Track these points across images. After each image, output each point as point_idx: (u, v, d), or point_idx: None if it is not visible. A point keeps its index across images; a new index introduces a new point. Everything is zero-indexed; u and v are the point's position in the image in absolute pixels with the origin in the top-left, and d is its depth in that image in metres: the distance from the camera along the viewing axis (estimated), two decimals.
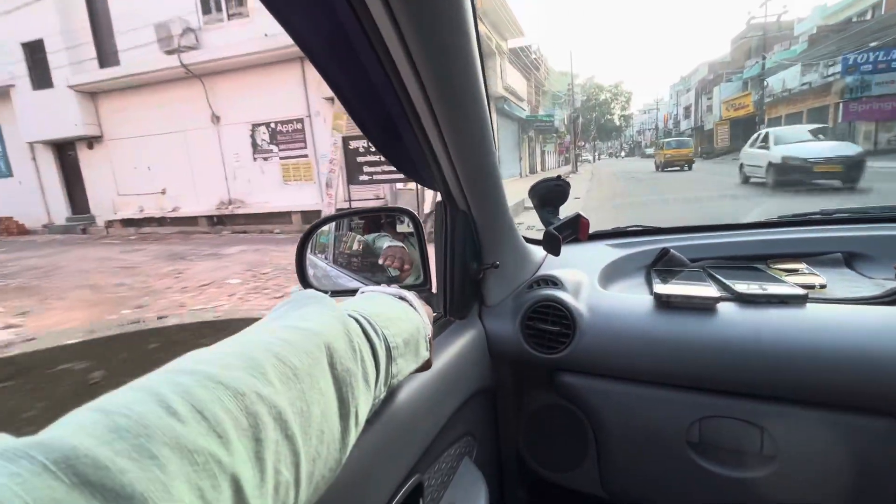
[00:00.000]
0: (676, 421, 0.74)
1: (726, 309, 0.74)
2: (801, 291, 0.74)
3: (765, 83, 25.20)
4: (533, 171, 25.17)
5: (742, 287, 0.77)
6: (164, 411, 0.22)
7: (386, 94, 0.54)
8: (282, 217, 9.62)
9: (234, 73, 9.39)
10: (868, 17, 19.81)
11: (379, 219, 0.91)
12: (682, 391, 0.74)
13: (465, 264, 0.78)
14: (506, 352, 0.84)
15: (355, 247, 0.89)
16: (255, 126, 9.64)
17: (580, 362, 0.80)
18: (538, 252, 0.98)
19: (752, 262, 0.98)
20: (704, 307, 0.74)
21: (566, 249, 0.86)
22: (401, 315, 0.46)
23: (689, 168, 19.94)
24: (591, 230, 1.03)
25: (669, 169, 20.18)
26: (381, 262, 0.82)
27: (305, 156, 9.30)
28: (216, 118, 9.81)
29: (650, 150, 54.94)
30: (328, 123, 8.11)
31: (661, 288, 0.79)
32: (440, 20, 0.45)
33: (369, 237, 0.88)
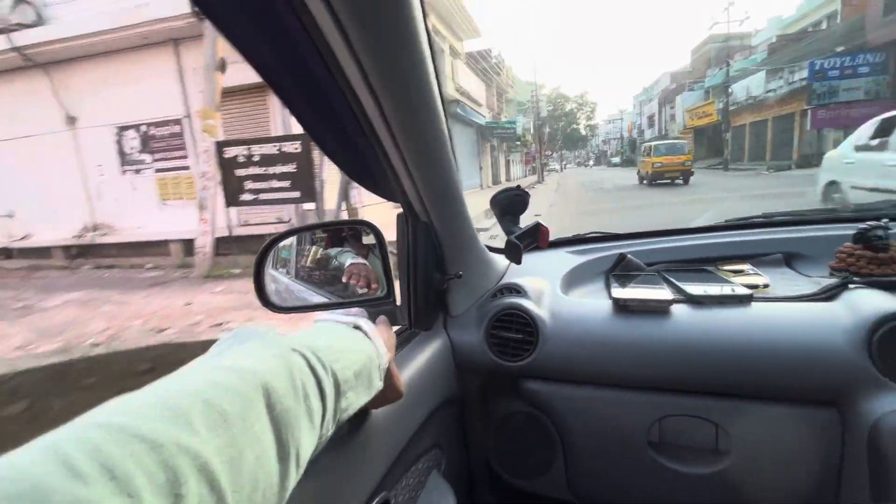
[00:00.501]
0: (637, 422, 0.75)
1: (680, 311, 0.76)
2: (746, 291, 0.77)
3: (729, 91, 24.70)
4: (496, 181, 23.62)
5: (693, 289, 0.80)
6: (66, 472, 0.20)
7: (338, 104, 0.52)
8: (159, 247, 7.44)
9: (92, 61, 7.20)
10: (823, 26, 19.45)
11: (341, 231, 0.84)
12: (641, 392, 0.75)
13: (428, 276, 0.77)
14: (471, 361, 0.83)
15: (318, 261, 0.82)
16: (121, 129, 7.43)
17: (544, 369, 0.79)
18: (501, 261, 0.97)
19: (703, 264, 1.01)
20: (659, 310, 0.76)
21: (528, 257, 0.88)
22: (352, 346, 0.45)
23: (686, 181, 15.16)
24: (554, 237, 1.09)
25: (659, 182, 15.56)
26: (344, 279, 0.78)
27: (187, 167, 7.17)
28: (71, 119, 7.56)
29: (616, 160, 55.72)
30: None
31: (619, 292, 0.81)
32: (387, 27, 0.44)
33: (332, 251, 0.82)
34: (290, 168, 5.76)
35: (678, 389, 0.74)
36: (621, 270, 1.00)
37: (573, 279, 1.00)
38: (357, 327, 0.49)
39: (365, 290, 0.75)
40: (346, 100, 0.51)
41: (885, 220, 0.84)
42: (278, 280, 0.77)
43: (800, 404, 0.68)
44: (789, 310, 0.73)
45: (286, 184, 5.81)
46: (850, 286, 0.75)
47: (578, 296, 0.94)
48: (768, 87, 20.64)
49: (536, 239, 0.84)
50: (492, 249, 0.97)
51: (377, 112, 0.51)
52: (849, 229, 0.88)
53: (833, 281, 0.78)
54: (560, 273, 0.98)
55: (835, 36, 17.41)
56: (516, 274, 0.94)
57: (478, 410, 0.91)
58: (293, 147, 5.65)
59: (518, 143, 27.69)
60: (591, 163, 72.15)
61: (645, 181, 16.70)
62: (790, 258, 1.02)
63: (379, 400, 0.51)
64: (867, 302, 0.68)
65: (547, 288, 0.90)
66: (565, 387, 0.80)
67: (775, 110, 20.48)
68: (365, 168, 0.65)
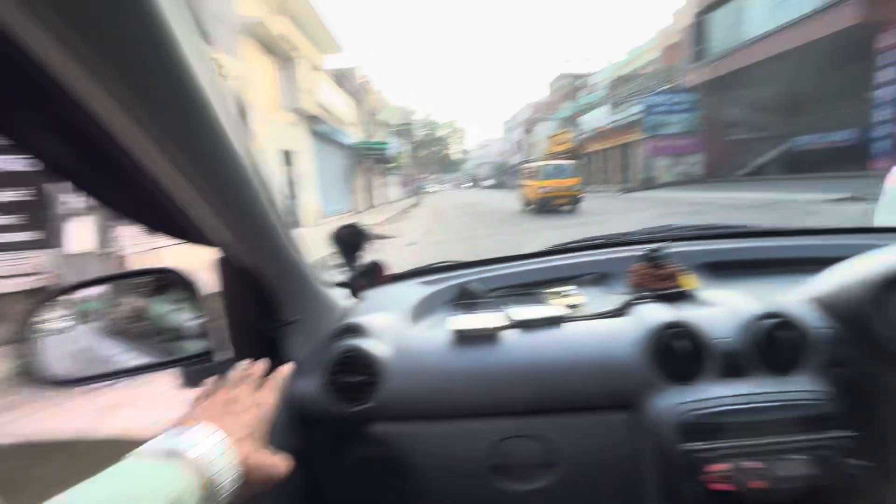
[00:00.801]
0: (479, 449, 0.77)
1: (508, 336, 0.80)
2: (560, 313, 0.83)
3: (577, 122, 27.46)
4: (372, 205, 22.35)
5: (520, 314, 0.84)
6: None
7: (101, 142, 0.42)
8: None
9: None
10: (649, 69, 22.73)
11: (147, 280, 0.77)
12: (482, 420, 0.77)
13: (256, 325, 0.74)
14: (314, 411, 0.78)
15: (130, 314, 0.75)
16: None
17: (391, 409, 0.77)
18: (347, 298, 0.95)
19: (537, 287, 1.06)
20: (491, 336, 0.79)
21: (378, 291, 0.95)
22: (152, 489, 0.37)
23: (573, 209, 12.81)
24: (415, 267, 1.19)
25: (548, 209, 12.80)
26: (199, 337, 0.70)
27: None
28: None
29: (487, 183, 59.10)
30: None
31: (457, 322, 0.82)
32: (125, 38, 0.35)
33: (145, 302, 0.75)
34: (18, 195, 3.73)
35: (512, 412, 0.76)
36: (464, 299, 1.01)
37: (421, 311, 0.98)
38: (175, 452, 0.41)
39: (206, 346, 0.69)
40: (110, 138, 0.41)
41: (664, 242, 0.98)
42: (76, 342, 0.68)
43: (603, 411, 0.74)
44: (594, 326, 0.80)
45: (14, 219, 3.75)
46: (640, 301, 0.84)
47: (425, 328, 0.92)
48: (611, 120, 23.25)
49: (376, 275, 0.88)
50: (340, 285, 0.95)
51: (147, 140, 0.42)
52: (643, 251, 0.96)
53: (627, 298, 0.86)
54: (408, 305, 0.96)
55: (660, 77, 20.27)
56: (364, 310, 0.90)
57: (325, 463, 0.83)
58: (21, 163, 3.66)
59: (392, 164, 26.89)
60: (467, 185, 75.75)
61: (532, 207, 13.84)
62: (604, 277, 1.09)
63: (249, 493, 0.45)
64: (650, 314, 0.77)
65: (392, 323, 0.87)
66: (412, 425, 0.78)
67: (619, 139, 23.11)
68: (170, 218, 0.55)
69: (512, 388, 0.74)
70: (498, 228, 10.67)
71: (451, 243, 8.63)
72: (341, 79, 18.82)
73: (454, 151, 54.80)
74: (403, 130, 37.48)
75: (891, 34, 11.13)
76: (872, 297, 0.67)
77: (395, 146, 27.23)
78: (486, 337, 0.78)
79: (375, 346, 0.77)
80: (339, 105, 16.08)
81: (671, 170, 19.28)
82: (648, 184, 19.02)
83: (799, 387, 0.68)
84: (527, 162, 22.28)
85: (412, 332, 0.87)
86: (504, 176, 52.13)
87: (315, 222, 11.78)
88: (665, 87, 19.42)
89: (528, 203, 14.49)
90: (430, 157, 49.94)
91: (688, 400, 0.67)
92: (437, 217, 15.68)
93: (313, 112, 12.60)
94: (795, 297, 0.78)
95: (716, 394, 0.68)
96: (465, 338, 0.79)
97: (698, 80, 17.71)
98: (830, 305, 0.74)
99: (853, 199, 7.92)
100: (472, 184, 75.15)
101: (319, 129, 13.26)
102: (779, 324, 0.70)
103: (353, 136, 18.89)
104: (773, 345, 0.69)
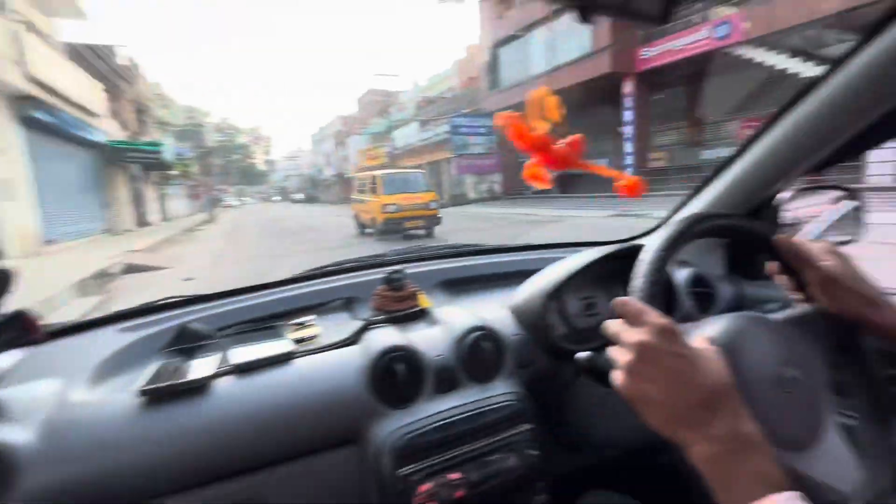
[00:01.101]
0: None
1: (223, 385, 0.69)
2: (288, 349, 0.75)
3: (391, 137, 27.69)
4: (142, 221, 17.55)
5: (239, 356, 0.74)
6: None
7: None
8: None
9: None
10: (448, 94, 24.42)
11: None
12: (180, 495, 0.63)
13: None
14: None
15: None
16: None
17: None
18: None
19: (278, 319, 0.95)
20: (198, 389, 0.67)
21: (55, 347, 0.80)
22: None
23: (428, 232, 9.72)
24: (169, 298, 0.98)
25: (397, 233, 9.32)
26: None
27: None
28: None
29: (298, 196, 55.22)
30: None
31: (148, 380, 0.68)
32: None
33: None
34: None
35: (225, 476, 0.64)
36: (183, 343, 0.83)
37: (115, 366, 0.78)
38: None
39: None
40: None
41: (403, 264, 1.00)
42: None
43: (330, 451, 0.69)
44: (324, 360, 0.74)
45: None
46: (374, 326, 0.81)
47: (115, 388, 0.72)
48: (421, 137, 23.98)
49: (24, 331, 0.67)
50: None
51: None
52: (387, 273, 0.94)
53: (361, 323, 0.82)
54: (92, 363, 0.76)
55: (463, 101, 21.77)
56: (11, 380, 0.69)
57: None
58: None
59: (174, 172, 21.93)
60: (276, 198, 69.71)
61: (370, 231, 10.29)
62: (350, 303, 1.03)
63: None
64: (377, 340, 0.75)
65: (53, 392, 0.67)
66: None
67: (429, 157, 23.97)
68: None
69: (219, 449, 0.64)
70: (318, 246, 9.13)
71: (247, 272, 6.75)
72: (91, 57, 14.19)
73: (259, 161, 49.52)
74: (191, 132, 31.62)
75: (628, 83, 14.06)
76: (541, 303, 0.80)
77: (175, 150, 22.30)
78: (189, 391, 0.66)
79: (8, 433, 0.60)
80: (80, 89, 11.87)
81: (478, 187, 20.77)
82: (458, 200, 20.03)
83: (497, 391, 0.75)
84: (368, 170, 16.40)
85: (88, 399, 0.68)
86: (317, 189, 49.40)
87: (31, 251, 8.08)
88: (468, 111, 20.87)
89: (364, 225, 10.74)
90: (229, 167, 43.90)
91: (404, 423, 0.68)
92: (233, 237, 13.00)
93: (26, 91, 8.73)
94: (498, 309, 0.87)
95: (428, 412, 0.70)
96: (159, 397, 0.65)
97: (494, 107, 19.55)
98: (520, 314, 0.84)
99: (620, 215, 9.36)
100: (280, 197, 69.44)
101: (40, 116, 9.32)
102: (481, 335, 0.76)
103: (110, 133, 14.41)
104: (477, 355, 0.75)
